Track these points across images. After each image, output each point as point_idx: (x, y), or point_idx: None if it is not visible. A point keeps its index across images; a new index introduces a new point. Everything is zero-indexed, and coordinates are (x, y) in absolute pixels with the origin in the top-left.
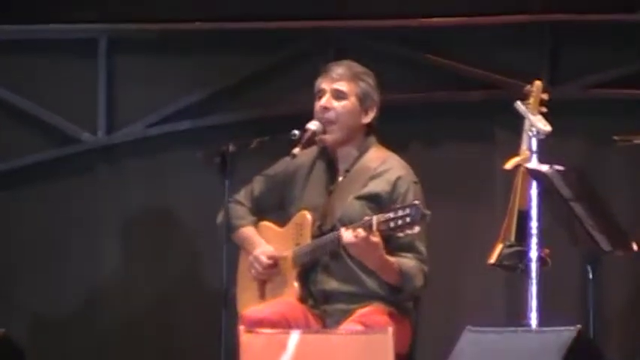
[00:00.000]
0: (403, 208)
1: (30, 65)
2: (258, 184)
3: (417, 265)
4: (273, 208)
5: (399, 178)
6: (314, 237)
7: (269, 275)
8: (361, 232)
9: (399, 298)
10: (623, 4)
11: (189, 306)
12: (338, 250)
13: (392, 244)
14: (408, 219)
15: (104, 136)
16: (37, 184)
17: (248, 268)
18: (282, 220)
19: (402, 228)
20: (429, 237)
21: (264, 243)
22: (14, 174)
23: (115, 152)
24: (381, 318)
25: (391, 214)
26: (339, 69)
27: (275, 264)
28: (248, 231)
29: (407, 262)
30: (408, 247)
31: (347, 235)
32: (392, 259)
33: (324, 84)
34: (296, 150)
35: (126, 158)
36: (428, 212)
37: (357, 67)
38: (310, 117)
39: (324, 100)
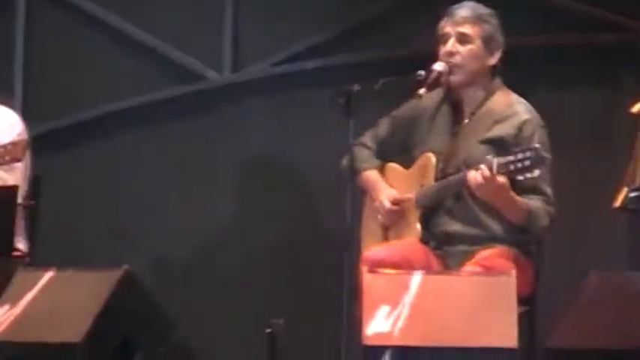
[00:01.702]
0: (523, 151)
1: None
2: (383, 127)
3: (542, 205)
4: (399, 150)
5: (524, 122)
6: (437, 179)
7: (394, 220)
8: (486, 171)
9: (523, 239)
10: None
11: (312, 247)
12: (462, 191)
13: (516, 186)
14: (527, 162)
15: (229, 74)
16: (158, 122)
17: (372, 212)
18: (407, 162)
19: (521, 171)
20: (555, 179)
21: (388, 187)
22: (138, 111)
23: (240, 90)
24: (504, 261)
25: (511, 157)
26: (462, 12)
27: (400, 208)
28: (372, 174)
29: (533, 202)
30: (533, 189)
31: (473, 175)
32: (519, 198)
33: (447, 27)
34: (422, 90)
35: (251, 96)
36: (548, 156)
37: (481, 9)
38: (435, 59)
39: (450, 45)
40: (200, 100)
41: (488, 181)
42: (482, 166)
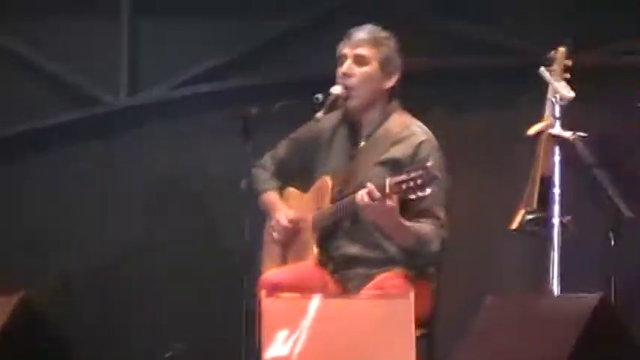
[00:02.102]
0: (415, 169)
1: (53, 24)
2: (282, 149)
3: (433, 229)
4: (298, 172)
5: (421, 143)
6: (334, 201)
7: (289, 238)
8: (375, 192)
9: (415, 263)
10: None
11: (214, 270)
12: (356, 213)
13: (410, 210)
14: (419, 180)
15: (126, 98)
16: (58, 146)
17: (272, 234)
18: (307, 185)
19: (413, 190)
20: (451, 202)
21: (286, 208)
22: (37, 135)
23: (137, 114)
24: (402, 283)
25: (403, 176)
26: (360, 34)
27: (295, 227)
28: (271, 196)
29: (423, 226)
30: (426, 213)
31: (361, 196)
32: (408, 223)
33: (345, 49)
34: (319, 114)
35: (148, 120)
36: (438, 174)
37: (379, 32)
38: (334, 81)
39: (346, 66)
40: (100, 124)
41: (376, 201)
42: (370, 186)
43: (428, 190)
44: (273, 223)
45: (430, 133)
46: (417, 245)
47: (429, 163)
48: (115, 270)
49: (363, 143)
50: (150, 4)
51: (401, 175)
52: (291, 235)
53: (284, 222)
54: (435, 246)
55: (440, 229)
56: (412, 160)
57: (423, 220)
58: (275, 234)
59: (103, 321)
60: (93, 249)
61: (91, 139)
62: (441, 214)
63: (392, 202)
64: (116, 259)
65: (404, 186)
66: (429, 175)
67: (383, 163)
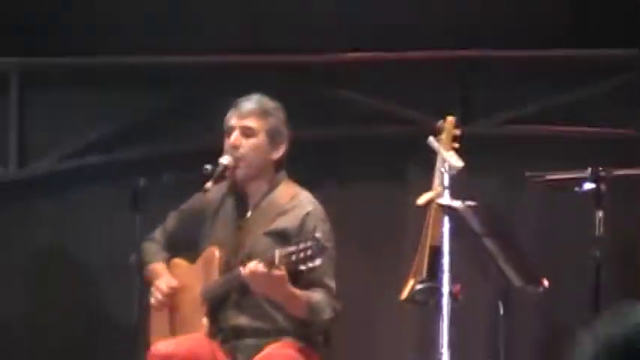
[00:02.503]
0: (304, 241)
1: None
2: (171, 221)
3: (325, 298)
4: (187, 243)
5: (307, 214)
6: (222, 272)
7: (165, 306)
8: (261, 267)
9: (307, 332)
10: (536, 40)
11: (102, 345)
12: (245, 284)
13: (301, 280)
14: (309, 252)
15: (15, 170)
16: None
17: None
18: (195, 256)
19: (303, 261)
20: (342, 273)
21: (169, 277)
22: None
23: (26, 186)
24: (292, 353)
25: (293, 248)
26: (248, 104)
27: (173, 293)
28: (158, 266)
29: (314, 295)
30: (317, 283)
31: (247, 270)
32: (299, 292)
33: (233, 120)
34: (208, 185)
35: (37, 192)
36: (328, 245)
37: (267, 103)
38: (222, 152)
39: (233, 138)
40: None
41: (262, 276)
42: (254, 263)
43: (317, 262)
44: (153, 289)
45: (317, 203)
46: (309, 314)
47: (317, 234)
48: (2, 344)
49: (249, 214)
50: (38, 78)
51: (290, 246)
52: (168, 303)
53: (163, 287)
54: (327, 314)
55: (331, 298)
56: (299, 231)
57: (314, 289)
58: (152, 299)
59: None
60: None
61: None
62: (332, 283)
63: (279, 272)
64: (4, 334)
65: (293, 257)
66: (318, 247)
67: (270, 234)
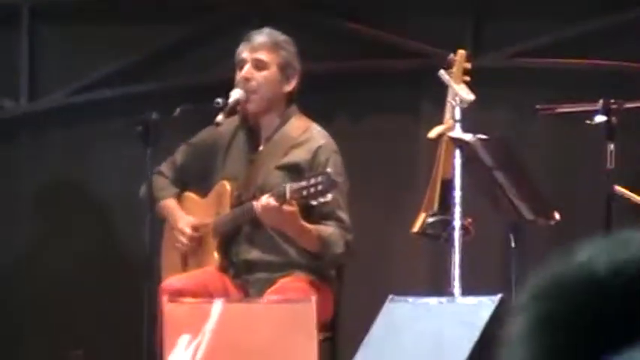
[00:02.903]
0: (315, 176)
1: None
2: (180, 154)
3: (337, 232)
4: (197, 177)
5: (319, 148)
6: (233, 207)
7: (194, 247)
8: (272, 201)
9: (320, 266)
10: None
11: (113, 276)
12: (256, 218)
13: (313, 213)
14: (320, 187)
15: (26, 103)
16: None
17: (171, 241)
18: (206, 190)
19: (314, 196)
20: (355, 206)
21: (185, 215)
22: None
23: (37, 120)
24: (304, 287)
25: (304, 183)
26: (259, 37)
27: (200, 234)
28: (169, 203)
29: (327, 229)
30: (329, 216)
31: (258, 205)
32: (311, 226)
33: (244, 53)
34: (219, 118)
35: (48, 126)
36: (339, 180)
37: (278, 35)
38: (234, 85)
39: (245, 71)
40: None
41: (274, 210)
42: (265, 197)
43: (329, 196)
44: (176, 233)
45: (329, 137)
46: (321, 248)
47: (328, 169)
48: (11, 274)
49: (261, 147)
50: (49, 11)
51: (301, 181)
52: (196, 243)
53: (188, 230)
54: (339, 248)
55: (344, 232)
56: (311, 165)
57: (327, 222)
58: (179, 244)
59: (1, 328)
60: None
61: None
62: (344, 216)
63: (292, 207)
64: (13, 264)
65: (304, 192)
66: (329, 181)
67: (282, 168)
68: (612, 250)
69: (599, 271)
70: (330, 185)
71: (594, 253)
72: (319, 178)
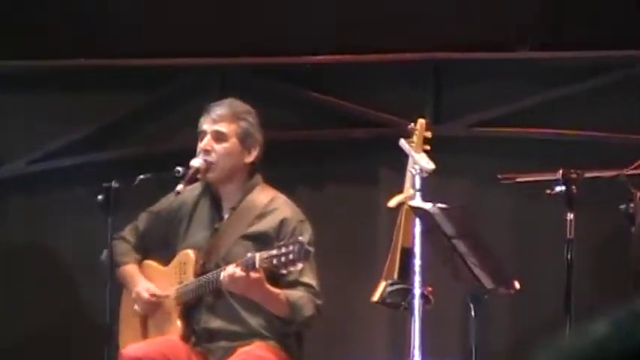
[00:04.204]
0: (287, 245)
1: None
2: (142, 221)
3: (306, 295)
4: (159, 245)
5: (285, 218)
6: (197, 275)
7: (151, 311)
8: (238, 271)
9: (283, 332)
10: (506, 42)
11: (72, 345)
12: (219, 288)
13: (281, 281)
14: (291, 256)
15: None
16: None
17: (130, 306)
18: (166, 258)
19: (285, 265)
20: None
21: (145, 280)
22: None
23: None
24: (264, 355)
25: (274, 252)
26: (219, 109)
27: (156, 300)
28: (130, 269)
29: (295, 293)
30: (297, 283)
31: (226, 275)
32: (278, 290)
33: (205, 125)
34: (180, 187)
35: (8, 194)
36: (311, 249)
37: (239, 106)
38: (194, 154)
39: (205, 142)
40: None
41: (240, 279)
42: (232, 267)
43: (299, 265)
44: (133, 296)
45: (294, 206)
46: (291, 312)
47: (301, 238)
48: None
49: (226, 217)
50: (10, 78)
51: (272, 250)
52: (152, 308)
53: (145, 295)
54: (309, 311)
55: (313, 296)
56: (277, 234)
57: (296, 289)
58: (136, 306)
59: None
60: None
61: None
62: (313, 282)
63: (257, 274)
64: None
65: (275, 261)
66: (301, 250)
67: (247, 238)
68: (627, 327)
69: (613, 351)
70: (303, 254)
71: (608, 330)
72: (290, 247)
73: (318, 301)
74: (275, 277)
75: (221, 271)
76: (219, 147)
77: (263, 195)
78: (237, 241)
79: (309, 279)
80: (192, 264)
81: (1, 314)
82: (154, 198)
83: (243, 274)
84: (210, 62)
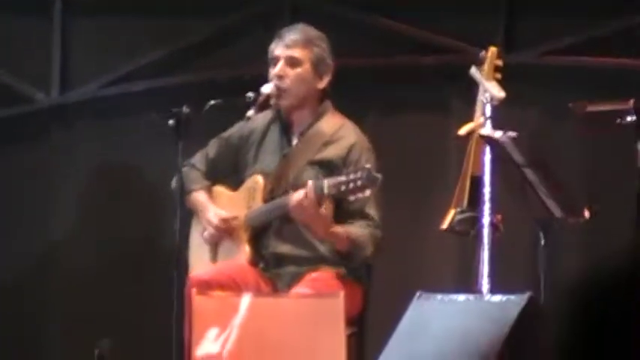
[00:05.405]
0: (355, 171)
1: None
2: (212, 148)
3: (367, 232)
4: (229, 171)
5: (352, 145)
6: (265, 201)
7: (222, 238)
8: (308, 197)
9: (348, 265)
10: None
11: (142, 268)
12: (286, 213)
13: (343, 210)
14: (359, 182)
15: (58, 96)
16: None
17: (200, 232)
18: (236, 184)
19: (353, 191)
20: (384, 202)
21: (215, 207)
22: None
23: (68, 112)
24: (332, 282)
25: (343, 178)
26: (292, 35)
27: (227, 226)
28: (200, 196)
29: (356, 230)
30: (359, 214)
31: (293, 200)
32: (340, 229)
33: (277, 50)
34: (250, 112)
35: (79, 118)
36: (379, 176)
37: (311, 32)
38: (266, 80)
39: (278, 68)
40: (30, 122)
41: (310, 206)
42: (309, 186)
43: (368, 192)
44: (204, 222)
45: (362, 134)
46: (350, 249)
47: (368, 165)
48: (43, 268)
49: (295, 143)
50: (81, 3)
51: (340, 176)
52: (222, 235)
53: (215, 221)
54: (368, 249)
55: (373, 230)
56: (344, 162)
57: (357, 221)
58: (206, 233)
59: (34, 318)
60: (20, 242)
61: (22, 137)
62: (374, 213)
63: (325, 211)
64: (46, 257)
65: (343, 187)
66: (369, 177)
67: (314, 163)
68: None
69: None
70: (371, 181)
71: None
72: (359, 174)
73: (378, 234)
74: (339, 203)
75: (289, 196)
76: (292, 72)
77: (332, 122)
78: (305, 167)
79: (372, 209)
80: (261, 189)
81: (75, 237)
82: (224, 124)
83: (310, 202)
84: None
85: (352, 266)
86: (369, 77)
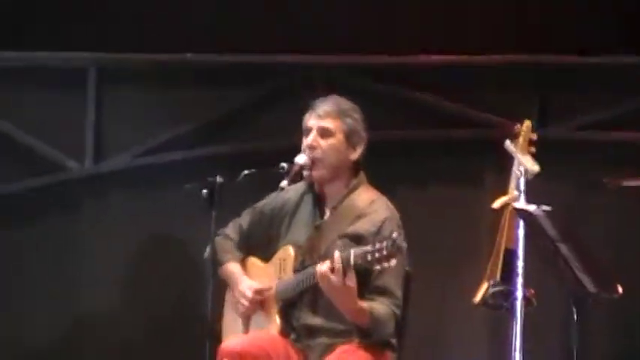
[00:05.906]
0: (380, 241)
1: (17, 92)
2: (246, 218)
3: (389, 311)
4: (262, 242)
5: (384, 221)
6: (296, 272)
7: (254, 310)
8: (337, 266)
9: (367, 341)
10: (614, 45)
11: (175, 341)
12: (318, 285)
13: (366, 286)
14: (384, 252)
15: (91, 165)
16: (21, 212)
17: (234, 304)
18: (268, 255)
19: (379, 260)
20: (417, 275)
21: (248, 279)
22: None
23: (101, 182)
24: (363, 354)
25: (369, 248)
26: (325, 106)
27: (261, 298)
28: (233, 266)
29: (379, 307)
30: (383, 291)
31: (319, 271)
32: (364, 304)
33: (310, 121)
34: (284, 183)
35: (112, 188)
36: (404, 244)
37: (344, 103)
38: (299, 151)
39: (311, 138)
40: (63, 191)
41: (336, 276)
42: (336, 255)
43: (393, 262)
44: (237, 295)
45: (394, 210)
46: (371, 325)
47: (394, 235)
48: (76, 341)
49: (327, 215)
50: (116, 73)
51: (366, 246)
52: (256, 307)
53: (249, 294)
54: (389, 328)
55: (395, 309)
56: (374, 238)
57: (379, 297)
58: (240, 306)
59: None
60: (54, 314)
61: (55, 206)
62: (398, 292)
63: (351, 283)
64: (79, 330)
65: (369, 257)
66: (394, 246)
67: (345, 237)
68: None
69: None
70: (396, 250)
71: None
72: (384, 243)
73: (399, 313)
74: (362, 279)
75: (316, 266)
76: (324, 143)
77: (365, 195)
78: (336, 239)
79: (396, 288)
80: (292, 260)
81: (108, 307)
82: (257, 194)
83: (336, 272)
84: (315, 60)
85: (370, 342)
86: (402, 150)
